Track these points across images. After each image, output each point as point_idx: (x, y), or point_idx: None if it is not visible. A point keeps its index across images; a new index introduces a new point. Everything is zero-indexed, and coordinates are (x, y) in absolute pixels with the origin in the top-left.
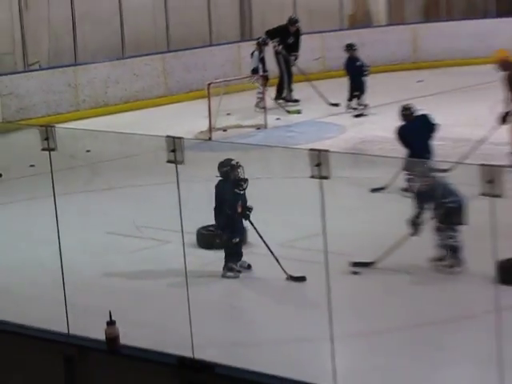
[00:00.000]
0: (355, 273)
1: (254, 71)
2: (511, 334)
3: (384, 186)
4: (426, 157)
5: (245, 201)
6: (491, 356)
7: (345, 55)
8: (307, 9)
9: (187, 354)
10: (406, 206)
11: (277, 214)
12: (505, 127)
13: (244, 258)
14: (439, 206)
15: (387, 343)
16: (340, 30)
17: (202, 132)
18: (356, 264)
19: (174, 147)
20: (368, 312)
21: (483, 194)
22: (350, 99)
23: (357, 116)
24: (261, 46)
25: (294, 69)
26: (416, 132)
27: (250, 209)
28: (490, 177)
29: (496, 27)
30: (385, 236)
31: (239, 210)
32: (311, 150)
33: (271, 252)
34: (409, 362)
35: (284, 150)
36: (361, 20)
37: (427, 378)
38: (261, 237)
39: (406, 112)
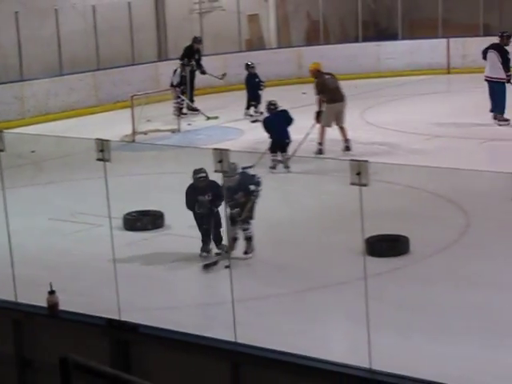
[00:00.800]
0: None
1: (177, 84)
2: (377, 296)
3: (252, 164)
4: (284, 142)
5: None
6: (362, 314)
7: (245, 72)
8: (212, 34)
9: (115, 316)
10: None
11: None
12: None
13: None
14: (234, 200)
15: (277, 305)
16: (240, 51)
17: (126, 135)
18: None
19: (103, 148)
20: (263, 279)
21: (352, 184)
22: (248, 108)
23: (254, 121)
24: (184, 66)
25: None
26: (277, 122)
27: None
28: (358, 170)
29: (364, 49)
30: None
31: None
32: (215, 149)
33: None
34: (293, 320)
35: (193, 149)
36: (256, 44)
37: (306, 331)
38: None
39: (271, 107)
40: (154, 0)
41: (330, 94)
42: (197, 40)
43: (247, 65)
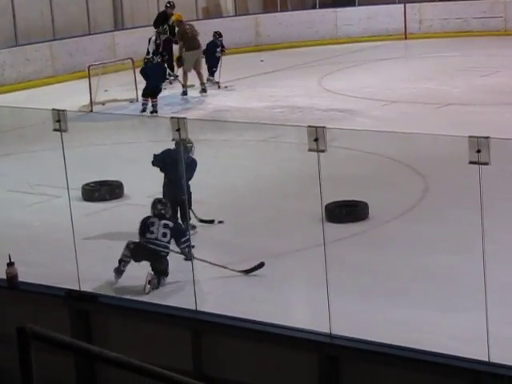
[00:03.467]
0: (220, 221)
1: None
2: (336, 261)
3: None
4: (158, 90)
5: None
6: (322, 280)
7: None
8: None
9: (75, 287)
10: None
11: (145, 172)
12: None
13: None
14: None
15: (237, 273)
16: (196, 19)
17: (84, 106)
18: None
19: (59, 118)
20: (222, 247)
21: (310, 150)
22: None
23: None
24: (159, 34)
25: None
26: (152, 72)
27: None
28: (316, 136)
29: (321, 16)
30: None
31: None
32: (172, 117)
33: (190, 209)
34: (253, 288)
35: (151, 118)
36: (212, 11)
37: (267, 298)
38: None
39: (146, 60)
40: None
41: (188, 42)
42: (170, 5)
43: (219, 34)
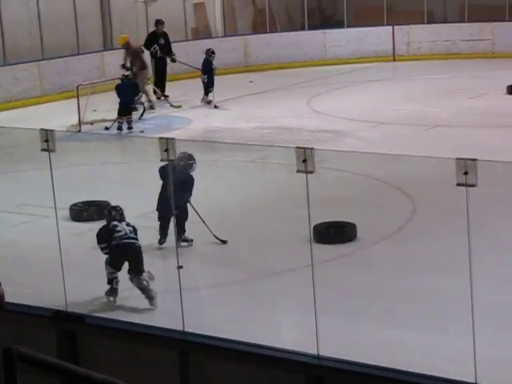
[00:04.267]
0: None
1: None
2: (324, 282)
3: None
4: (130, 107)
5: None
6: (310, 301)
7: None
8: None
9: (62, 307)
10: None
11: (134, 192)
12: None
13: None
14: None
15: (225, 293)
16: (186, 40)
17: (72, 125)
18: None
19: (47, 138)
20: (211, 267)
21: (298, 171)
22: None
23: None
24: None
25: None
26: (124, 90)
27: None
28: (304, 157)
29: (310, 37)
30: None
31: None
32: (161, 138)
33: (202, 220)
34: (242, 308)
35: (140, 139)
36: (202, 32)
37: (255, 319)
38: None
39: (123, 77)
40: None
41: (140, 61)
42: (158, 21)
43: (212, 52)
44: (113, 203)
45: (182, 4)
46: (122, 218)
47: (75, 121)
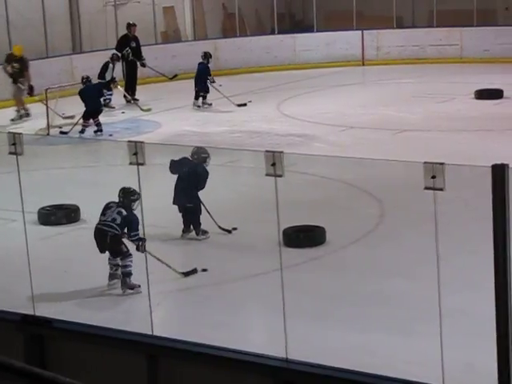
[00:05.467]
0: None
1: (112, 80)
2: (293, 286)
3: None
4: (98, 110)
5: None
6: (279, 305)
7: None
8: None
9: (30, 312)
10: None
11: (103, 195)
12: None
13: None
14: None
15: (194, 297)
16: (155, 44)
17: (41, 129)
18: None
19: (14, 141)
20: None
21: (267, 175)
22: (197, 98)
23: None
24: (113, 60)
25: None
26: (88, 94)
27: None
28: (273, 160)
29: (280, 42)
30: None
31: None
32: (129, 141)
33: (208, 212)
34: (210, 312)
35: (109, 142)
36: (171, 36)
37: (224, 323)
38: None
39: (84, 80)
40: None
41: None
42: (130, 24)
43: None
44: (81, 207)
45: (151, 8)
46: (124, 205)
47: (44, 124)
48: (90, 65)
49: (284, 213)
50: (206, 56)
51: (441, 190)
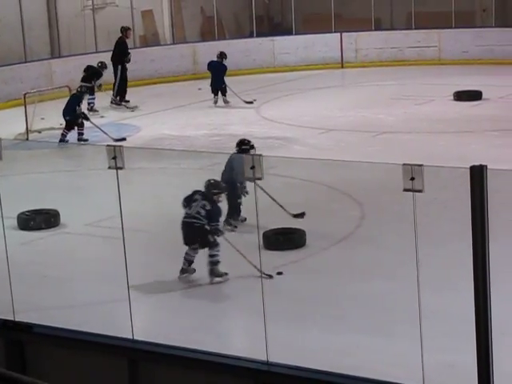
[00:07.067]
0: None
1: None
2: (274, 289)
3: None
4: (74, 121)
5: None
6: (259, 308)
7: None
8: (105, 31)
9: (9, 317)
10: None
11: (83, 200)
12: None
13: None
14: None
15: (175, 301)
16: (134, 48)
17: (20, 134)
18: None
19: None
20: (160, 275)
21: (247, 178)
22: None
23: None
24: (104, 68)
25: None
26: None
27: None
28: (253, 164)
29: (258, 45)
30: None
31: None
32: (108, 145)
33: (274, 200)
34: (191, 315)
35: (88, 146)
36: (150, 40)
37: (204, 326)
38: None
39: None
40: None
41: None
42: (128, 29)
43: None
44: (61, 211)
45: (129, 12)
46: (207, 197)
47: (23, 129)
48: (68, 69)
49: (264, 216)
50: (222, 55)
51: (420, 191)
